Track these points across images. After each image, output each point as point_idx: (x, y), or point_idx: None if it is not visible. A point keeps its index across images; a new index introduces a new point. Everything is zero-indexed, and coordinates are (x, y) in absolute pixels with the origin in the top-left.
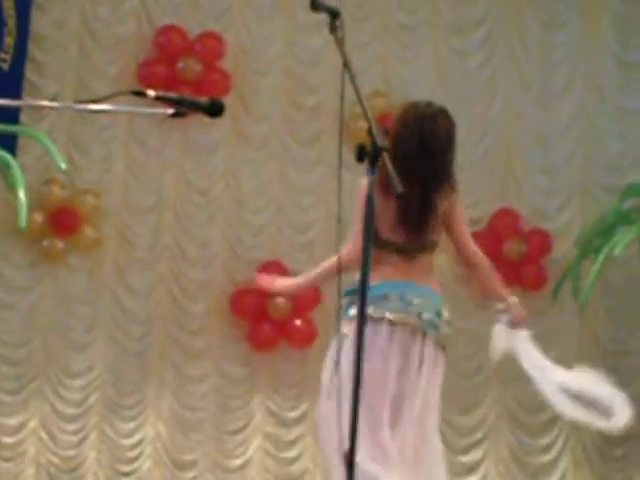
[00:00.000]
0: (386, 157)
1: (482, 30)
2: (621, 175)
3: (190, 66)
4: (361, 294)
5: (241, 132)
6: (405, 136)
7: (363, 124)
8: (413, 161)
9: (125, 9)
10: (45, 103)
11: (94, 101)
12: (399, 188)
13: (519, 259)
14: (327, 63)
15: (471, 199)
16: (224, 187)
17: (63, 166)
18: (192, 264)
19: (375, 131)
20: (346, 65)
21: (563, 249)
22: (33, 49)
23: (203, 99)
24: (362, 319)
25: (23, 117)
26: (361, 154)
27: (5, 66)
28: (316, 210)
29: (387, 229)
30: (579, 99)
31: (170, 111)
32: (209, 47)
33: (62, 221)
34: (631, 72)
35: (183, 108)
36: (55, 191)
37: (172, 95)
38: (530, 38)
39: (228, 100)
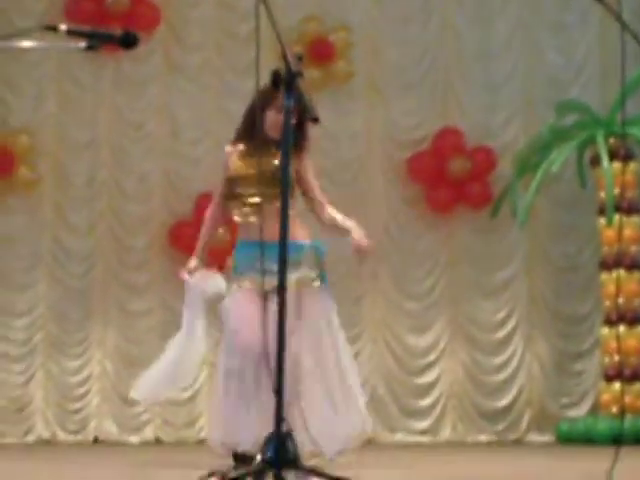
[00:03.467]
0: (300, 82)
1: None
2: (564, 90)
3: (118, 0)
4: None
5: (174, 64)
6: None
7: (296, 49)
8: None
9: None
10: None
11: (7, 36)
12: (314, 113)
13: (464, 177)
14: None
15: (413, 120)
16: (159, 120)
17: None
18: (131, 199)
19: (289, 56)
20: None
21: (508, 167)
22: None
23: (117, 31)
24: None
25: None
26: (276, 80)
27: None
28: None
29: None
30: (517, 14)
31: (83, 45)
32: None
33: None
34: None
35: (96, 41)
36: None
37: (84, 29)
38: None
39: (159, 32)
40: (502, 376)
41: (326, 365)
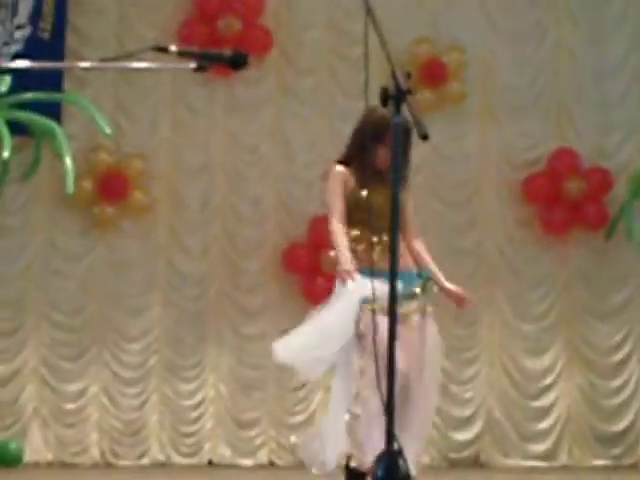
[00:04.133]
0: (410, 99)
1: None
2: None
3: (230, 24)
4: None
5: (286, 87)
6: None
7: (407, 69)
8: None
9: None
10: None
11: (116, 59)
12: (424, 130)
13: (579, 198)
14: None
15: (528, 141)
16: (272, 143)
17: (108, 130)
18: (244, 222)
19: (398, 74)
20: (369, 11)
21: (624, 187)
22: (73, 16)
23: (226, 51)
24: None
25: (67, 85)
26: (385, 97)
27: (46, 35)
28: None
29: None
30: (632, 33)
31: (193, 65)
32: (248, 4)
33: (111, 187)
34: None
35: (206, 61)
36: (102, 157)
37: (193, 49)
38: None
39: (271, 56)
40: (619, 400)
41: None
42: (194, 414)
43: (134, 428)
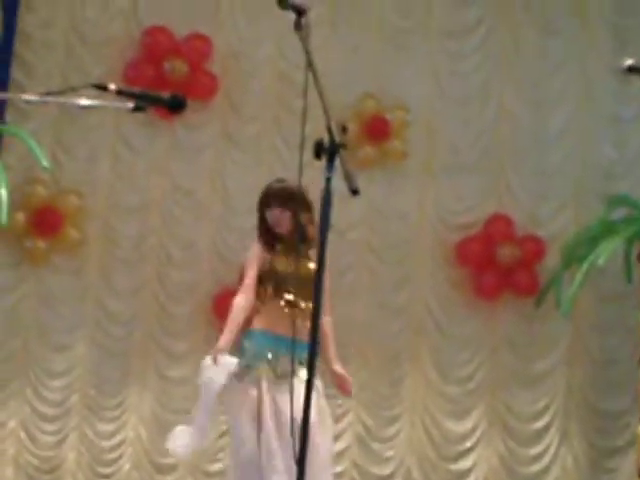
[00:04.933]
0: (343, 154)
1: (477, 34)
2: (615, 183)
3: (177, 67)
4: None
5: (229, 134)
6: None
7: (353, 126)
8: None
9: (113, 10)
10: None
11: (56, 93)
12: (354, 185)
13: (512, 264)
14: (318, 65)
15: (465, 203)
16: (211, 189)
17: (45, 164)
18: (177, 266)
19: (333, 128)
20: (309, 63)
21: (556, 256)
22: (20, 48)
23: (165, 94)
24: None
25: (8, 117)
26: (319, 150)
27: None
28: None
29: None
30: (574, 105)
31: (131, 105)
32: (196, 48)
33: (45, 221)
34: (626, 80)
35: (144, 102)
36: (38, 191)
37: (133, 89)
38: (525, 43)
39: (216, 102)
40: (536, 468)
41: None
42: (112, 455)
43: (50, 465)
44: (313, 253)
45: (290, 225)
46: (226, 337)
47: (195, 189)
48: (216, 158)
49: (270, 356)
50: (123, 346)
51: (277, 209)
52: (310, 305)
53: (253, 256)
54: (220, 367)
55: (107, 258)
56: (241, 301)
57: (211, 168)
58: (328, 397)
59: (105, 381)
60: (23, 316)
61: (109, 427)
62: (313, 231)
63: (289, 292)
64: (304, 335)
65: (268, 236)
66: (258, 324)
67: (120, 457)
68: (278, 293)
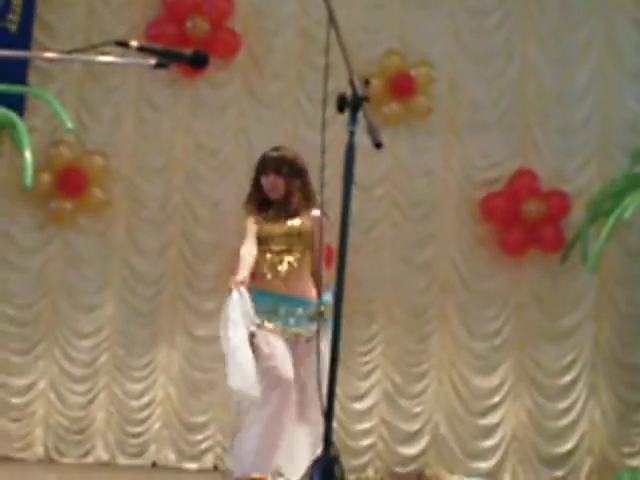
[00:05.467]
0: (366, 107)
1: None
2: (639, 137)
3: (198, 25)
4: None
5: (252, 91)
6: None
7: (378, 82)
8: None
9: None
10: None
11: (78, 51)
12: (378, 138)
13: (537, 220)
14: (342, 21)
15: (490, 160)
16: (235, 147)
17: (70, 125)
18: (203, 225)
19: (356, 81)
20: (331, 19)
21: (582, 211)
22: (42, 10)
23: (187, 50)
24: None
25: (32, 78)
26: (341, 104)
27: (13, 27)
28: (330, 169)
29: None
30: (597, 60)
31: (153, 61)
32: (217, 6)
33: (70, 182)
34: None
35: (166, 59)
36: (63, 152)
37: (154, 46)
38: None
39: (238, 59)
40: (564, 422)
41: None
42: (142, 415)
43: (80, 426)
44: (301, 216)
45: (283, 191)
46: (242, 269)
47: (219, 147)
48: (239, 116)
49: (269, 312)
50: (151, 305)
51: (272, 175)
52: (297, 257)
53: (247, 221)
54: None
55: (133, 218)
56: (246, 249)
57: (235, 126)
58: (355, 355)
59: (133, 341)
60: (50, 277)
61: (138, 387)
62: (308, 196)
63: (278, 249)
64: (296, 290)
65: (261, 201)
66: (260, 284)
67: (149, 416)
68: (268, 253)
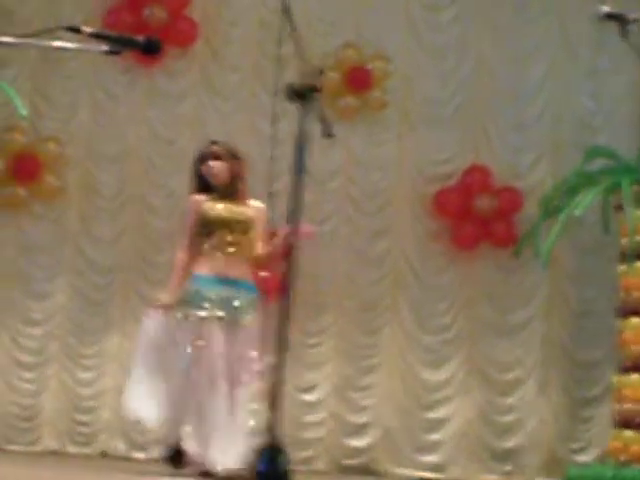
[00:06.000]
0: (317, 97)
1: None
2: (593, 134)
3: (156, 13)
4: None
5: (209, 81)
6: None
7: (334, 75)
8: None
9: None
10: None
11: (30, 35)
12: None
13: (490, 215)
14: (298, 13)
15: (443, 154)
16: (191, 137)
17: (23, 112)
18: (157, 214)
19: (308, 70)
20: (285, 7)
21: (534, 208)
22: None
23: (140, 37)
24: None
25: None
26: (291, 94)
27: None
28: (285, 161)
29: None
30: (552, 56)
31: (105, 48)
32: None
33: (23, 168)
34: (604, 30)
35: (118, 45)
36: (16, 138)
37: (107, 32)
38: None
39: (196, 49)
40: (514, 417)
41: (239, 389)
42: (91, 403)
43: (30, 413)
44: (248, 201)
45: (225, 175)
46: (167, 292)
47: (175, 137)
48: (196, 106)
49: (212, 296)
50: (103, 294)
51: (212, 161)
52: (243, 243)
53: (187, 211)
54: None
55: (87, 206)
56: (181, 258)
57: (191, 116)
58: (305, 347)
59: (85, 329)
60: (2, 264)
61: (88, 375)
62: (243, 182)
63: (225, 235)
64: (241, 273)
65: (204, 189)
66: (199, 269)
67: (100, 406)
68: (214, 238)
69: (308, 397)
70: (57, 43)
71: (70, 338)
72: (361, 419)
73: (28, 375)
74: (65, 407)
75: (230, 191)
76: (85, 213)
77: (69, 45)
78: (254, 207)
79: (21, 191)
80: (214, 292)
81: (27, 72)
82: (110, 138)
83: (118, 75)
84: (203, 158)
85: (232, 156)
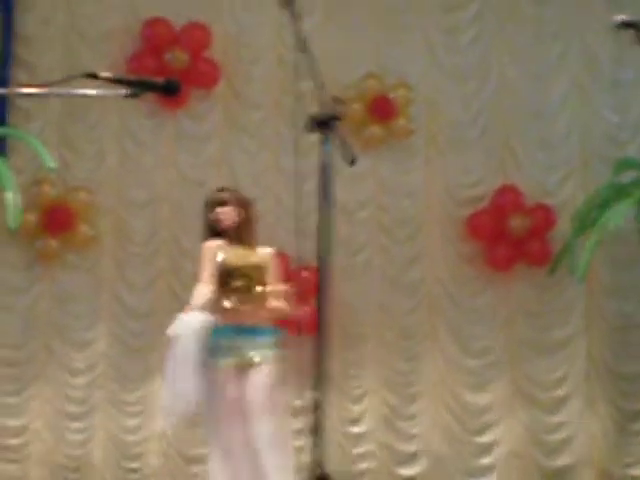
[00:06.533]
0: (338, 125)
1: (472, 7)
2: (620, 147)
3: (177, 57)
4: None
5: (233, 121)
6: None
7: (357, 106)
8: None
9: (110, 4)
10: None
11: (49, 85)
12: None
13: (523, 235)
14: (317, 47)
15: (472, 177)
16: (219, 177)
17: (51, 164)
18: (190, 257)
19: (327, 101)
20: (300, 41)
21: (567, 224)
22: (19, 50)
23: (159, 79)
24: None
25: (11, 118)
26: (311, 124)
27: None
28: (314, 196)
29: None
30: (573, 72)
31: (124, 92)
32: (195, 37)
33: (55, 220)
34: (624, 42)
35: (137, 89)
36: (46, 190)
37: (125, 76)
38: (521, 13)
39: (218, 90)
40: (562, 435)
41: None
42: (139, 449)
43: (78, 464)
44: (257, 247)
45: (233, 219)
46: (195, 304)
47: (204, 179)
48: (222, 146)
49: (229, 346)
50: (142, 340)
51: (218, 208)
52: (259, 290)
53: (204, 254)
54: (190, 320)
55: (120, 253)
56: (204, 287)
57: (217, 156)
58: (347, 378)
59: (126, 376)
60: (40, 316)
61: (134, 422)
62: (251, 228)
63: (238, 281)
64: (258, 321)
65: (213, 236)
66: (217, 318)
67: (147, 451)
68: (229, 284)
69: (355, 429)
70: (75, 90)
71: (113, 385)
72: (410, 448)
73: (75, 425)
74: (113, 455)
75: (239, 237)
76: (119, 260)
77: (89, 92)
78: (263, 252)
79: (53, 243)
80: (228, 341)
81: (53, 124)
82: (139, 183)
83: (143, 120)
84: (210, 205)
85: (239, 202)
